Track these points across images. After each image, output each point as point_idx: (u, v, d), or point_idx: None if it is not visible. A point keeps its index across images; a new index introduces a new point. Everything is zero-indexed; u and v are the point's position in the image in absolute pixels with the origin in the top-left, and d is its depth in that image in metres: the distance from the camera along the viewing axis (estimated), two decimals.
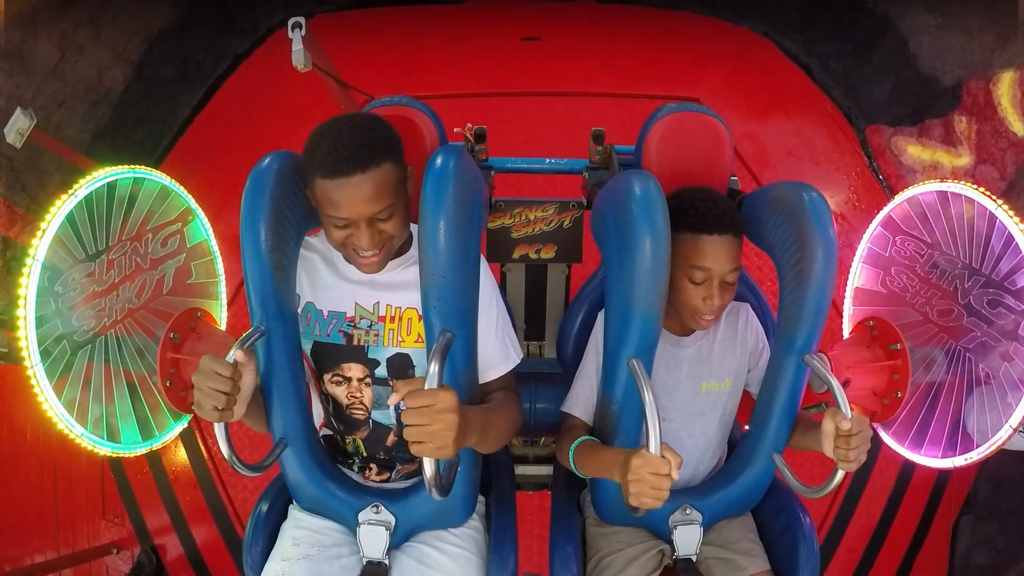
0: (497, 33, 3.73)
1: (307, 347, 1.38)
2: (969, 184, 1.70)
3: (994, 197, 1.63)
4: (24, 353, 1.56)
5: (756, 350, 1.52)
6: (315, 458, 1.36)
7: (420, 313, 1.30)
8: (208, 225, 1.98)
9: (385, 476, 1.46)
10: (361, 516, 1.37)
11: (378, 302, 1.36)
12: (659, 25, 3.74)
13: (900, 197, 1.87)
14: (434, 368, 1.05)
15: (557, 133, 3.44)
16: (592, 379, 1.45)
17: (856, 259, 2.01)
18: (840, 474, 1.25)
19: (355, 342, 1.36)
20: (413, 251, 1.37)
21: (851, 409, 1.21)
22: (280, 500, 1.47)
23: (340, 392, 1.40)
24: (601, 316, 1.44)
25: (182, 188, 1.90)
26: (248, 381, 1.19)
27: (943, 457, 1.71)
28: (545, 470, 2.08)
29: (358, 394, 1.39)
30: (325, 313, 1.36)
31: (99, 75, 3.09)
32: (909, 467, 3.00)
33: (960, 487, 3.04)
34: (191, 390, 1.16)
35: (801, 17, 3.62)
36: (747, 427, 1.48)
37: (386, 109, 1.52)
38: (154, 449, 1.80)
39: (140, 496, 3.02)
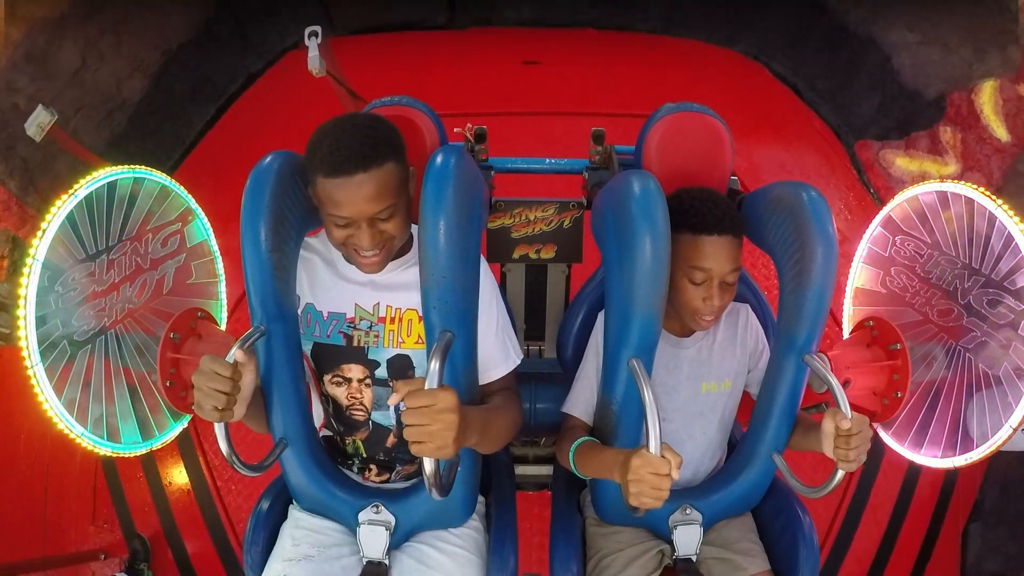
0: (499, 57, 3.87)
1: (307, 348, 1.37)
2: (969, 184, 1.70)
3: (994, 197, 1.63)
4: (24, 353, 1.55)
5: (756, 351, 1.52)
6: (315, 458, 1.36)
7: (420, 314, 1.30)
8: (208, 225, 1.98)
9: (385, 477, 1.45)
10: (361, 516, 1.37)
11: (378, 303, 1.36)
12: (654, 50, 3.88)
13: (900, 197, 1.87)
14: (434, 368, 1.05)
15: (556, 149, 3.53)
16: (592, 379, 1.45)
17: (856, 259, 2.01)
18: (840, 474, 1.24)
19: (355, 343, 1.36)
20: (413, 252, 1.37)
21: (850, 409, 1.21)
22: (280, 500, 1.46)
23: (340, 393, 1.39)
24: (601, 316, 1.44)
25: (182, 188, 1.90)
26: (248, 381, 1.19)
27: (943, 457, 1.71)
28: (545, 470, 2.07)
29: (358, 395, 1.39)
30: (325, 314, 1.36)
31: (117, 84, 3.13)
32: (914, 474, 3.00)
33: (967, 493, 3.03)
34: (191, 390, 1.16)
35: (789, 40, 3.72)
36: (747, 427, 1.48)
37: (386, 109, 1.51)
38: (154, 449, 1.80)
39: (132, 502, 3.01)
